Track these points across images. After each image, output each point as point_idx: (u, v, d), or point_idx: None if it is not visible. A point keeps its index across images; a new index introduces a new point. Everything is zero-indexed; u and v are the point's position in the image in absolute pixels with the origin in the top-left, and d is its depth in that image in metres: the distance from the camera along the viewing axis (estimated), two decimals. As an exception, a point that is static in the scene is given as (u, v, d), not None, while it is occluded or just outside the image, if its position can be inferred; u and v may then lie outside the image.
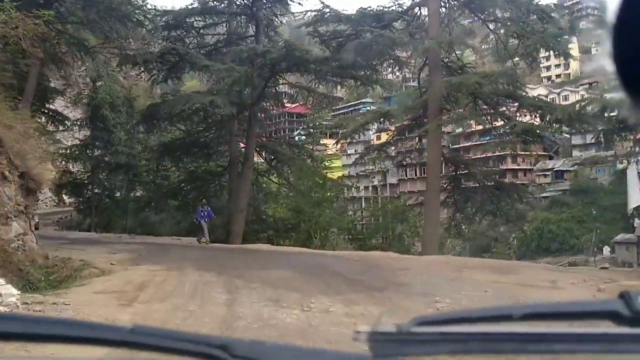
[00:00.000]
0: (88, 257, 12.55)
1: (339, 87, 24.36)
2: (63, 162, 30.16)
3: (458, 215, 19.99)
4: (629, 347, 0.64)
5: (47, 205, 41.35)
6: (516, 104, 17.10)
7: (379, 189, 59.05)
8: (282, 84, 21.82)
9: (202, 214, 17.39)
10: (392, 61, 18.79)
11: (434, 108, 16.01)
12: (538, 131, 16.89)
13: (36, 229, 23.69)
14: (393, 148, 28.42)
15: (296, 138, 38.25)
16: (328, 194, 20.44)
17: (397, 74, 24.66)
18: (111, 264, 11.52)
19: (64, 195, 35.49)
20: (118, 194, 31.85)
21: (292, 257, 12.37)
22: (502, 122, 18.24)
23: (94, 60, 16.19)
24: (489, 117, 18.34)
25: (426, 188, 16.87)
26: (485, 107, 17.87)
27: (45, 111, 18.18)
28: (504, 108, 17.90)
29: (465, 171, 19.58)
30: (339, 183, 23.06)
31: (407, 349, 0.65)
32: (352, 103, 73.82)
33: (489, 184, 18.40)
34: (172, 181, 27.26)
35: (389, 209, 20.26)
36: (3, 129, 11.90)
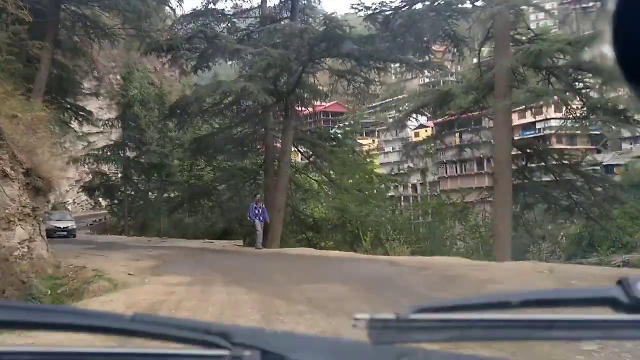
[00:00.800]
0: (106, 266, 10.84)
1: (382, 75, 22.09)
2: (95, 164, 29.14)
3: (526, 213, 17.30)
4: (627, 333, 0.65)
5: (83, 209, 40.90)
6: (599, 80, 14.31)
7: (418, 187, 56.44)
8: (323, 68, 19.73)
9: (257, 212, 14.65)
10: (447, 37, 16.32)
11: (503, 85, 13.46)
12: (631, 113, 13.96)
13: (73, 236, 22.14)
14: (432, 145, 25.79)
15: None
16: (375, 191, 18.03)
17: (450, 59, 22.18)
18: (129, 274, 9.75)
19: (99, 198, 34.68)
20: (152, 196, 30.73)
21: (343, 265, 10.22)
22: (579, 103, 15.50)
23: (113, 45, 14.57)
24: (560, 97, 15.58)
25: (495, 180, 14.28)
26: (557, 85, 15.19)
27: (68, 107, 16.73)
28: (581, 85, 15.14)
29: (534, 162, 16.89)
30: (388, 178, 20.60)
31: (406, 336, 0.65)
32: (389, 100, 71.01)
33: (569, 177, 15.60)
34: (205, 181, 25.66)
35: (445, 207, 17.50)
36: (4, 119, 10.33)
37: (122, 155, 29.36)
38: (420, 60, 17.86)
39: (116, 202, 30.84)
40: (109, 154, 29.10)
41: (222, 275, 8.93)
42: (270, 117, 21.75)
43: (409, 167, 48.09)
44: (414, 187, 56.17)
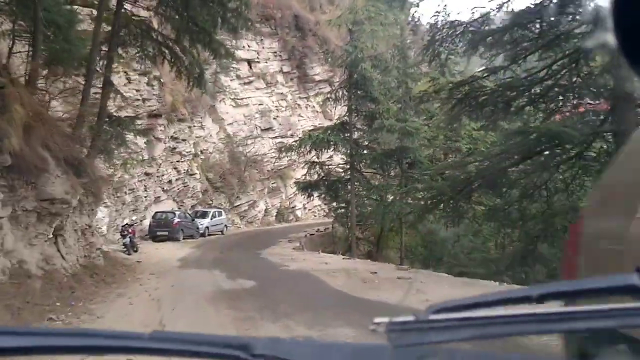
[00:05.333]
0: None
1: None
2: (311, 152, 21.01)
3: None
4: None
5: (315, 215, 34.36)
6: None
7: None
8: None
9: None
10: None
11: None
12: None
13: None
14: None
15: None
16: None
17: None
18: None
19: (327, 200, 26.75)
20: (390, 196, 21.13)
21: None
22: None
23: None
24: None
25: None
26: None
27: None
28: None
29: None
30: None
31: (426, 337, 0.64)
32: None
33: None
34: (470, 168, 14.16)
35: None
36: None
37: (346, 137, 20.50)
38: None
39: (343, 204, 22.18)
40: (330, 136, 20.52)
41: None
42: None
43: None
44: None
